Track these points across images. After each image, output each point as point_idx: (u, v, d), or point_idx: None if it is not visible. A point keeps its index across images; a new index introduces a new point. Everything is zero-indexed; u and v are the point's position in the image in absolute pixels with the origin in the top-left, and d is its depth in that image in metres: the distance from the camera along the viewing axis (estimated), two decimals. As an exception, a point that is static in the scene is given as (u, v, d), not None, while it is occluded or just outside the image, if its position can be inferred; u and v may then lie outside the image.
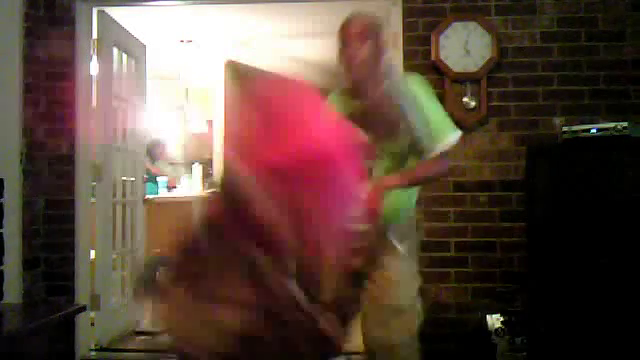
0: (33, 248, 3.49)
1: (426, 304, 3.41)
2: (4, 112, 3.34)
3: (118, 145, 4.10)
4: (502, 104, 3.47)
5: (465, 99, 3.44)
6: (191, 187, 6.63)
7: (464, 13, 3.47)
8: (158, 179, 6.30)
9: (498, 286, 3.37)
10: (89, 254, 3.70)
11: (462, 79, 3.45)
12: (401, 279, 2.14)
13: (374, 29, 2.10)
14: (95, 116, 3.75)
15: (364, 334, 2.16)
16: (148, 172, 4.56)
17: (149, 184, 5.03)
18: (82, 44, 3.64)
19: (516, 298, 3.22)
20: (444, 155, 2.12)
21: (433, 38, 3.45)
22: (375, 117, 2.05)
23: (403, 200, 2.15)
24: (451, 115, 3.42)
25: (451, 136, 2.12)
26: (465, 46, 3.45)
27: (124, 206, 4.20)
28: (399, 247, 2.13)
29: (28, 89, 3.46)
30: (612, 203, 2.93)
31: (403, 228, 2.19)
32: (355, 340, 2.39)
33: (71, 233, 3.59)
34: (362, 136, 1.99)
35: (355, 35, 2.07)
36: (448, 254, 3.46)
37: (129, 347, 3.85)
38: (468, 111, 3.44)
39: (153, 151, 6.47)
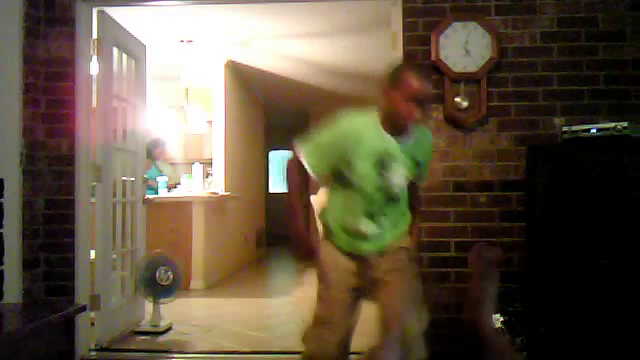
0: (33, 248, 3.49)
1: (426, 304, 3.44)
2: (4, 112, 3.34)
3: (118, 145, 4.10)
4: (502, 104, 3.47)
5: (457, 99, 3.44)
6: (191, 187, 6.63)
7: (464, 13, 3.47)
8: (158, 178, 6.30)
9: (498, 286, 3.37)
10: (89, 254, 3.70)
11: (462, 79, 3.45)
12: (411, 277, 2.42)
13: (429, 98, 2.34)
14: (95, 116, 3.75)
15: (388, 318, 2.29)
16: (145, 181, 4.55)
17: (148, 191, 5.02)
18: (82, 44, 3.64)
19: (516, 298, 3.22)
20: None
21: (433, 38, 3.45)
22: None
23: (406, 226, 2.49)
24: (451, 115, 3.47)
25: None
26: (465, 46, 3.45)
27: (124, 206, 4.20)
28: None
29: (28, 89, 3.46)
30: (612, 203, 2.93)
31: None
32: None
33: (71, 233, 3.58)
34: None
35: (422, 97, 2.22)
36: (448, 254, 3.46)
37: (129, 347, 3.86)
38: (460, 111, 3.44)
39: (152, 151, 6.46)
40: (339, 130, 2.29)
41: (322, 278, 2.39)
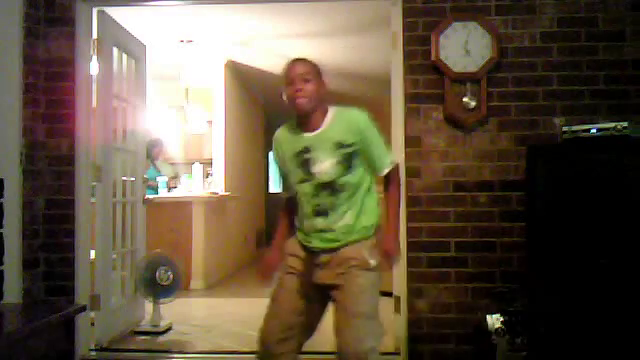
0: (33, 248, 3.49)
1: (426, 304, 3.45)
2: (4, 112, 3.34)
3: (118, 145, 4.10)
4: (502, 104, 3.47)
5: (465, 99, 3.44)
6: (191, 187, 6.63)
7: (464, 13, 3.47)
8: (158, 178, 6.30)
9: (498, 286, 3.37)
10: (89, 254, 3.70)
11: (462, 79, 3.45)
12: (369, 289, 2.32)
13: (315, 72, 2.36)
14: (95, 116, 3.75)
15: (338, 343, 2.25)
16: (145, 181, 4.55)
17: (148, 190, 5.02)
18: (82, 44, 3.64)
19: (516, 298, 3.22)
20: (396, 174, 2.48)
21: (433, 38, 3.45)
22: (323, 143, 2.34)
23: (373, 219, 2.40)
24: (451, 115, 3.47)
25: (391, 156, 2.46)
26: (465, 46, 3.45)
27: (124, 206, 4.20)
28: (371, 260, 2.33)
29: (28, 89, 3.46)
30: (612, 203, 2.93)
31: (372, 242, 2.39)
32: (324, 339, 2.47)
33: (71, 233, 3.58)
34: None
35: (299, 75, 2.31)
36: (448, 254, 3.46)
37: (129, 347, 3.86)
38: (468, 111, 3.44)
39: (151, 151, 6.46)
40: (273, 149, 2.52)
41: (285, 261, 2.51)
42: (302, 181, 2.36)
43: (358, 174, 2.36)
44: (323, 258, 2.36)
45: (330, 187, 2.33)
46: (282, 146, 2.45)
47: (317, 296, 2.40)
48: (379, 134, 2.39)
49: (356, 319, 2.22)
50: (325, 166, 2.31)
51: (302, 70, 2.32)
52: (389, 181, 2.45)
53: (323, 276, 2.36)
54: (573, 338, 2.91)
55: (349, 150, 2.31)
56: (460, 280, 3.44)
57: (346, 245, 2.34)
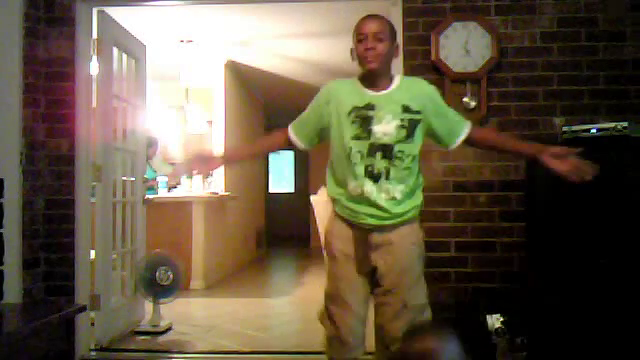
0: (33, 248, 3.49)
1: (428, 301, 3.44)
2: (4, 112, 3.34)
3: (118, 145, 4.10)
4: (502, 104, 3.47)
5: (465, 99, 3.44)
6: (191, 187, 6.63)
7: (464, 13, 3.48)
8: (158, 178, 6.29)
9: (498, 286, 3.37)
10: (89, 254, 3.70)
11: (462, 79, 3.45)
12: (421, 278, 2.38)
13: (389, 32, 2.32)
14: (95, 116, 3.75)
15: (384, 331, 2.27)
16: (145, 181, 4.54)
17: (147, 191, 5.01)
18: (82, 44, 3.64)
19: (516, 298, 3.22)
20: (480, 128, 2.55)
21: (433, 38, 3.45)
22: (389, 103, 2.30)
23: (419, 202, 2.41)
24: (451, 115, 3.45)
25: (468, 123, 2.50)
26: (465, 46, 3.45)
27: (124, 206, 4.20)
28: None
29: (28, 89, 3.46)
30: (612, 203, 2.93)
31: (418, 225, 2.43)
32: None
33: (71, 233, 3.59)
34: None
35: (373, 34, 2.26)
36: (448, 254, 3.46)
37: (129, 347, 3.86)
38: (468, 111, 3.44)
39: (146, 151, 6.42)
40: (320, 96, 2.40)
41: (328, 251, 2.37)
42: (356, 137, 2.26)
43: (416, 148, 2.32)
44: (375, 238, 2.29)
45: (386, 150, 2.25)
46: (339, 97, 2.32)
47: (367, 279, 2.33)
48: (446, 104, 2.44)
49: (410, 312, 2.25)
50: (387, 127, 2.25)
51: (376, 28, 2.27)
52: (479, 133, 2.54)
53: (377, 258, 2.29)
54: (573, 338, 2.91)
55: (413, 117, 2.29)
56: (460, 280, 3.44)
57: (398, 223, 2.29)
